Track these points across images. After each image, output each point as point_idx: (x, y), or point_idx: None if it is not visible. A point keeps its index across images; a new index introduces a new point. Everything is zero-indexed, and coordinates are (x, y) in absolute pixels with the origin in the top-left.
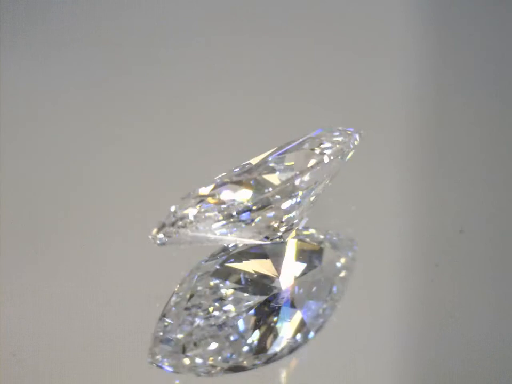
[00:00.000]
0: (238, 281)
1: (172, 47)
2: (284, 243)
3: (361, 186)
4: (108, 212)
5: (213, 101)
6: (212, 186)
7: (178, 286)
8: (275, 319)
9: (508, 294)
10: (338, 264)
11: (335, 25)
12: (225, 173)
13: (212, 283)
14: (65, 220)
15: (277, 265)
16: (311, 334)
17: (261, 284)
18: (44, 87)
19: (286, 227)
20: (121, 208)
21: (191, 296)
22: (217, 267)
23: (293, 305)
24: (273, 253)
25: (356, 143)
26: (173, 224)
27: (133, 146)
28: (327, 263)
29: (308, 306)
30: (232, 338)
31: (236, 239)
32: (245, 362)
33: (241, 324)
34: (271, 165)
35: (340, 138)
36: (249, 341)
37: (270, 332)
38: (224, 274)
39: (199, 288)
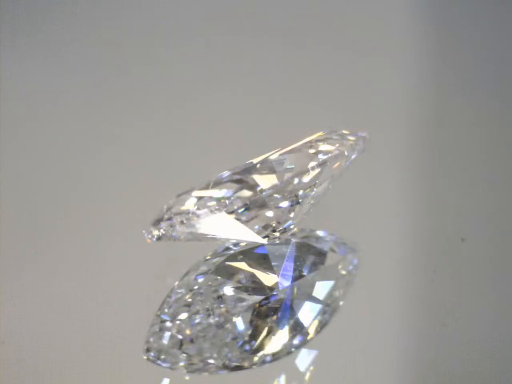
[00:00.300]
0: (238, 280)
1: (172, 47)
2: (286, 244)
3: (362, 190)
4: (108, 212)
5: (214, 101)
6: (209, 183)
7: (177, 282)
8: (273, 319)
9: (508, 294)
10: (340, 268)
11: (335, 25)
12: (224, 172)
13: (211, 281)
14: (65, 220)
15: (278, 265)
16: (310, 336)
17: (261, 284)
18: (43, 87)
19: (283, 228)
20: (121, 208)
21: (190, 293)
22: (218, 266)
23: (292, 306)
24: (274, 253)
25: (360, 147)
26: (168, 220)
27: (133, 147)
28: (329, 266)
29: (307, 308)
30: (229, 337)
31: (233, 237)
32: (241, 361)
33: (239, 323)
34: (271, 165)
35: (342, 142)
36: (246, 340)
37: (268, 332)
38: (224, 273)
39: (198, 285)
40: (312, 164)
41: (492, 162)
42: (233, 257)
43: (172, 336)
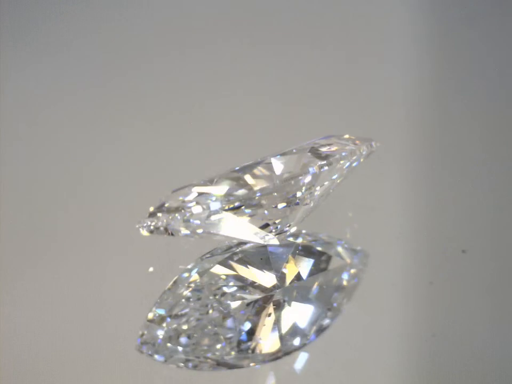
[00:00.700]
0: (238, 279)
1: (173, 48)
2: (287, 245)
3: (363, 197)
4: (108, 211)
5: (215, 103)
6: (206, 180)
7: (176, 278)
8: (272, 320)
9: (509, 305)
10: (344, 273)
11: (335, 26)
12: (222, 171)
13: (211, 278)
14: (65, 220)
15: (278, 266)
16: (308, 338)
17: (259, 284)
18: (43, 86)
19: (279, 228)
20: (121, 208)
21: (188, 290)
22: (218, 264)
23: (291, 307)
24: (275, 254)
25: (363, 154)
26: (163, 213)
27: (133, 147)
28: (333, 270)
29: (306, 310)
30: (227, 334)
31: (230, 235)
32: (236, 360)
33: (237, 322)
34: (268, 165)
35: (344, 146)
36: (244, 339)
37: (265, 332)
38: (224, 271)
39: (198, 282)
40: (310, 166)
41: (494, 174)
42: (233, 256)
43: (167, 331)
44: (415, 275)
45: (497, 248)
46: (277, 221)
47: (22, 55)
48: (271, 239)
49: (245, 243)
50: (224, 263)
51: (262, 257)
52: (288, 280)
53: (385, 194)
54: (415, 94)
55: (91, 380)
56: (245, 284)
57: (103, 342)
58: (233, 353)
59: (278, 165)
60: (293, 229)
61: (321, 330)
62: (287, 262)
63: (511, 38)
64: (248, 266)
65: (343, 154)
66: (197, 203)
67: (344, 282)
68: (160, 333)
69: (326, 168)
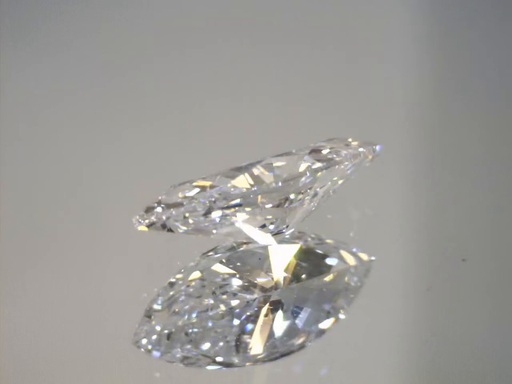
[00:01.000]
0: (238, 278)
1: (173, 48)
2: (289, 247)
3: (363, 194)
4: (108, 211)
5: (216, 104)
6: (204, 178)
7: (176, 275)
8: (270, 320)
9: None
10: (346, 277)
11: (337, 29)
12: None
13: (211, 276)
14: (65, 220)
15: (279, 267)
16: (306, 340)
17: (258, 284)
18: (43, 86)
19: (275, 228)
20: (121, 208)
21: (188, 286)
22: (219, 262)
23: (290, 309)
24: (276, 255)
25: (364, 159)
26: (160, 208)
27: (133, 147)
28: (335, 274)
29: (306, 312)
30: (225, 333)
31: (226, 233)
32: (234, 359)
33: (236, 321)
34: (266, 166)
35: (347, 150)
36: (242, 338)
37: (264, 332)
38: (225, 269)
39: (198, 279)
40: (308, 168)
41: (494, 174)
42: (234, 255)
43: (164, 327)
44: (415, 275)
45: (497, 248)
46: (274, 221)
47: (22, 55)
48: (269, 239)
49: (246, 242)
50: (225, 262)
51: (262, 258)
52: (289, 281)
53: (385, 194)
54: (415, 94)
55: (91, 380)
56: (244, 284)
57: (103, 342)
58: (230, 352)
59: (277, 165)
60: (291, 230)
61: (320, 332)
62: (288, 263)
63: (511, 38)
64: (249, 266)
65: (344, 157)
66: (195, 200)
67: (346, 286)
68: (158, 329)
69: (325, 170)
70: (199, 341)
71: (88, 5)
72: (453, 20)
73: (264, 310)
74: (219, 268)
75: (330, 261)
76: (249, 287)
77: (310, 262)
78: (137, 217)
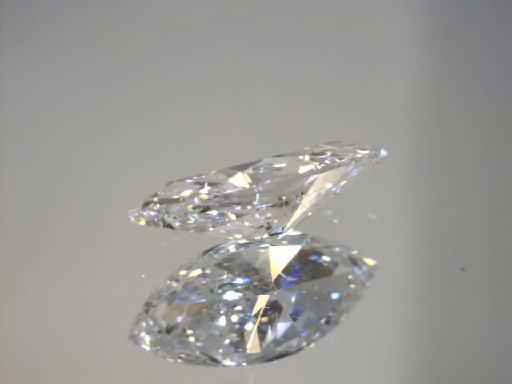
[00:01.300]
0: (237, 277)
1: (173, 48)
2: (290, 248)
3: (363, 195)
4: (108, 211)
5: (216, 104)
6: (202, 175)
7: (176, 272)
8: (269, 321)
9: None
10: (347, 282)
11: (337, 29)
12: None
13: (210, 275)
14: (65, 220)
15: (279, 268)
16: (304, 343)
17: (257, 284)
18: (43, 86)
19: (274, 229)
20: (121, 208)
21: (187, 284)
22: (219, 261)
23: (289, 310)
24: (276, 255)
25: (365, 163)
26: (157, 203)
27: (133, 147)
28: (336, 278)
29: (304, 315)
30: (222, 332)
31: (223, 231)
32: (230, 358)
33: (233, 320)
34: (265, 166)
35: (349, 153)
36: (239, 338)
37: (262, 333)
38: (225, 268)
39: (197, 277)
40: (308, 169)
41: (494, 174)
42: (235, 255)
43: (161, 323)
44: (415, 275)
45: (497, 248)
46: (272, 221)
47: (22, 55)
48: (266, 239)
49: (248, 242)
50: (225, 261)
51: (262, 258)
52: (289, 282)
53: (385, 194)
54: (415, 94)
55: (91, 380)
56: (244, 283)
57: (103, 342)
58: (227, 351)
59: (277, 165)
60: (289, 231)
61: (319, 335)
62: (289, 265)
63: (511, 38)
64: (249, 266)
65: (345, 160)
66: (191, 196)
67: (348, 291)
68: (155, 324)
69: (324, 172)
70: (196, 338)
71: (88, 5)
72: (453, 19)
73: (262, 310)
74: (219, 266)
75: (332, 264)
76: (248, 286)
77: (311, 264)
78: (134, 211)
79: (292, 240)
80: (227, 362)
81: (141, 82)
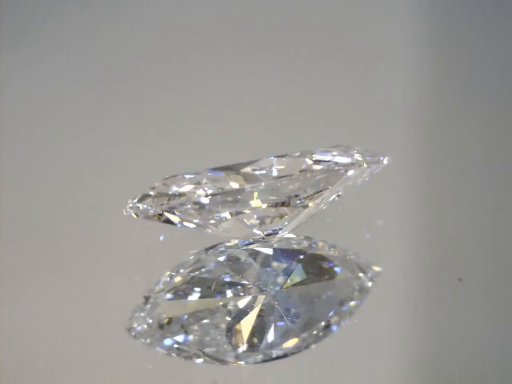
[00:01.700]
0: (237, 277)
1: (173, 48)
2: (291, 249)
3: (363, 195)
4: (108, 211)
5: (216, 104)
6: (199, 173)
7: (175, 268)
8: (268, 321)
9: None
10: (351, 288)
11: (337, 29)
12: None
13: (209, 273)
14: (65, 220)
15: (279, 268)
16: (302, 346)
17: (258, 285)
18: (43, 87)
19: (271, 229)
20: (121, 208)
21: (187, 280)
22: (220, 259)
23: (288, 311)
24: (279, 257)
25: (374, 168)
26: (153, 198)
27: (133, 147)
28: (338, 282)
29: (303, 318)
30: (220, 330)
31: (219, 229)
32: (227, 356)
33: (232, 319)
34: (265, 164)
35: (350, 157)
36: (235, 337)
37: (259, 333)
38: (225, 267)
39: (195, 274)
40: (307, 171)
41: (494, 174)
42: (235, 254)
43: (159, 317)
44: (415, 275)
45: (497, 248)
46: (269, 221)
47: (22, 55)
48: (262, 240)
49: (250, 242)
50: (225, 260)
51: (263, 258)
52: (289, 284)
53: (385, 194)
54: (415, 94)
55: (91, 380)
56: (243, 283)
57: (103, 342)
58: (224, 348)
59: (276, 166)
60: (285, 232)
61: (318, 337)
62: (289, 266)
63: (511, 38)
64: (249, 265)
65: (345, 164)
66: (188, 192)
67: (350, 296)
68: (152, 318)
69: (324, 175)
70: (193, 334)
71: (88, 5)
72: (453, 20)
73: (262, 311)
74: (219, 264)
75: (334, 269)
76: (247, 286)
77: (313, 267)
78: (129, 206)
79: (294, 243)
80: (224, 360)
81: (141, 82)
